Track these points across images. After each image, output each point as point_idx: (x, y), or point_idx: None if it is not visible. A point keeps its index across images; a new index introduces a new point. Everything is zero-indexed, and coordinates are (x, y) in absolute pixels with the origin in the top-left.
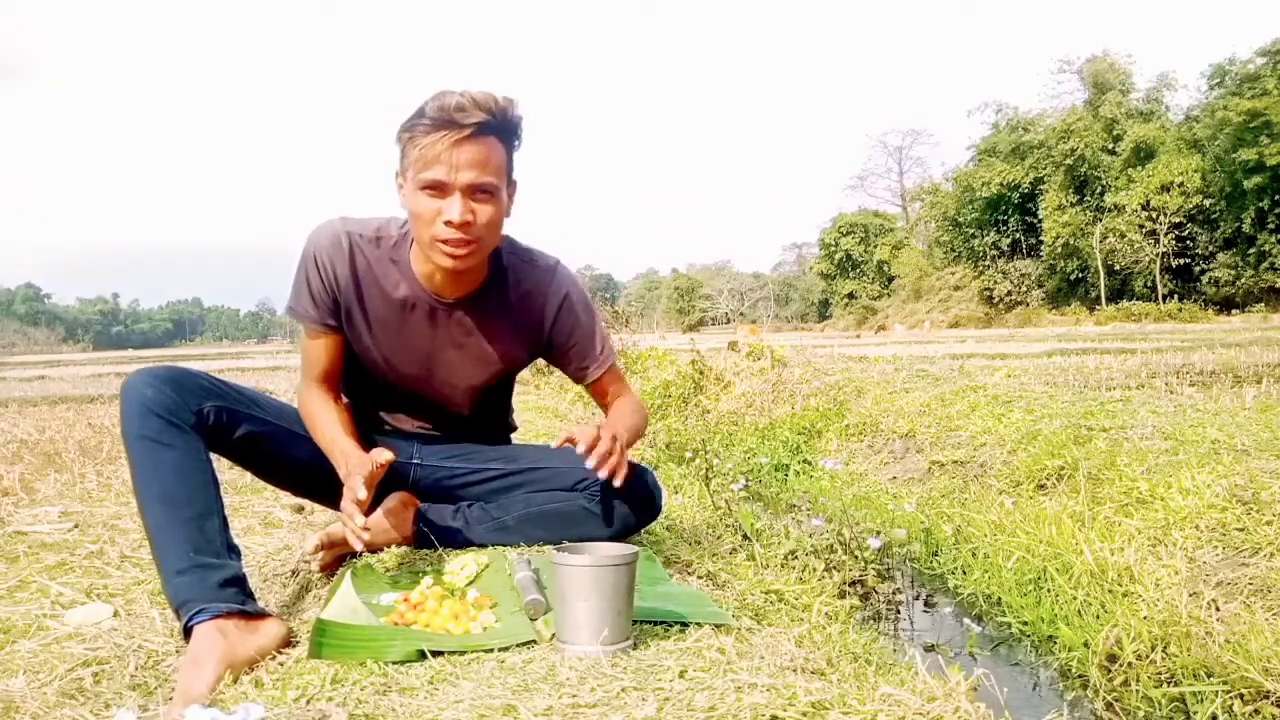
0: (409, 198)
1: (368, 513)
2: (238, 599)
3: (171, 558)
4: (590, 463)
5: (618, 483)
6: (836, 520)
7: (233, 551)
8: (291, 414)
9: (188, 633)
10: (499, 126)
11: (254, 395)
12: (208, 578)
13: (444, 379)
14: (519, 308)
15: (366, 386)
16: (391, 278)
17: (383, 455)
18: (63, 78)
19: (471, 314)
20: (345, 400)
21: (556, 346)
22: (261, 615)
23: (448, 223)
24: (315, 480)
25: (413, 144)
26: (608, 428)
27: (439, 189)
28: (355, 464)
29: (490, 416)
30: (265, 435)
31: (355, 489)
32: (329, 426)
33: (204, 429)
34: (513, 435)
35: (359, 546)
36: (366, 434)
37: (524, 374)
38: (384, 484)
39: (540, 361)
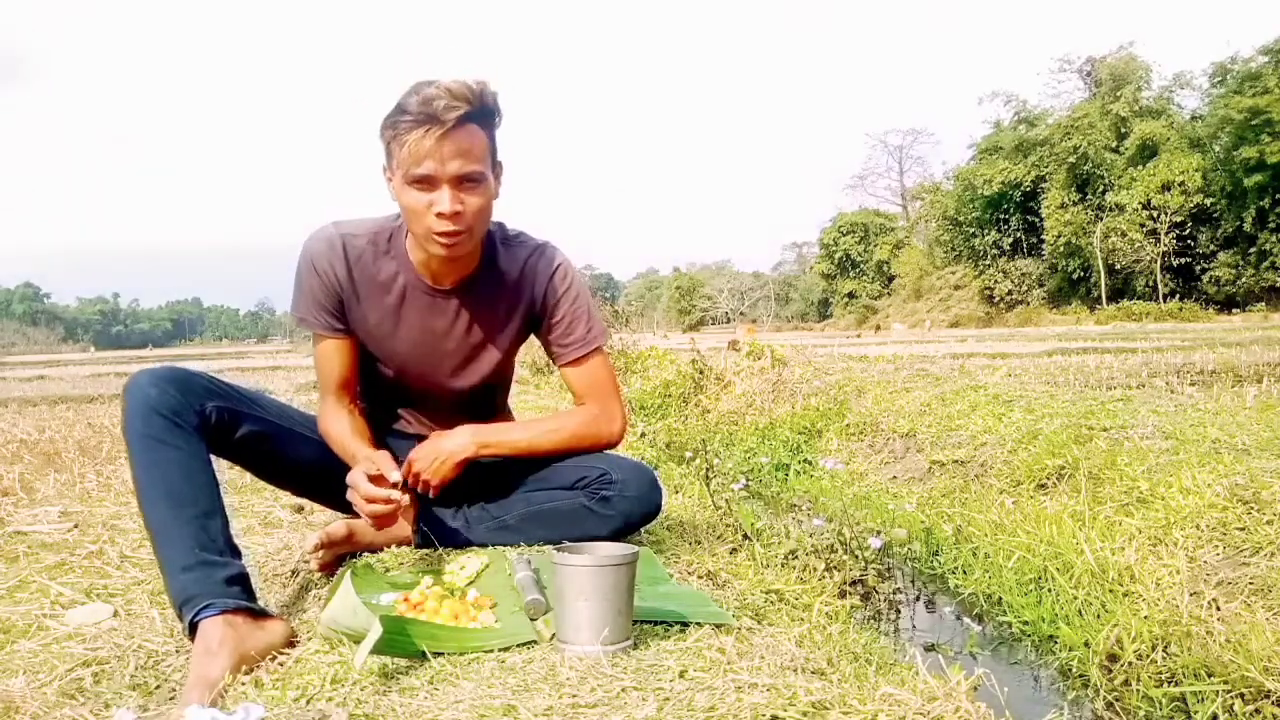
0: (399, 193)
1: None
2: (243, 597)
3: (176, 555)
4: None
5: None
6: (837, 520)
7: (235, 552)
8: (293, 414)
9: (192, 630)
10: (478, 113)
11: (255, 395)
12: (213, 574)
13: (449, 365)
14: (513, 287)
15: (378, 385)
16: (388, 270)
17: (385, 466)
18: (62, 77)
19: (468, 298)
20: (363, 406)
21: (546, 318)
22: (266, 615)
23: (439, 214)
24: (316, 480)
25: (398, 142)
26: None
27: (428, 183)
28: (363, 458)
29: (491, 405)
30: (267, 435)
31: (358, 481)
32: (343, 435)
33: (207, 429)
34: None
35: (368, 509)
36: (381, 439)
37: (524, 373)
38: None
39: (541, 360)
